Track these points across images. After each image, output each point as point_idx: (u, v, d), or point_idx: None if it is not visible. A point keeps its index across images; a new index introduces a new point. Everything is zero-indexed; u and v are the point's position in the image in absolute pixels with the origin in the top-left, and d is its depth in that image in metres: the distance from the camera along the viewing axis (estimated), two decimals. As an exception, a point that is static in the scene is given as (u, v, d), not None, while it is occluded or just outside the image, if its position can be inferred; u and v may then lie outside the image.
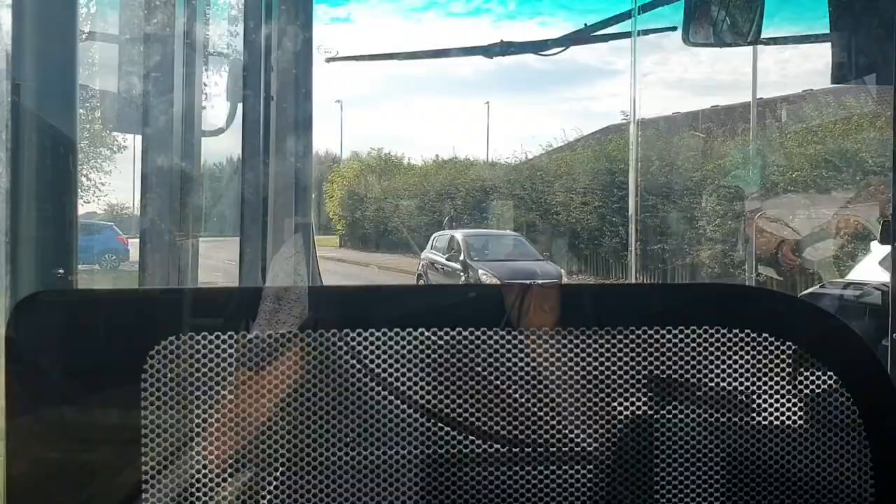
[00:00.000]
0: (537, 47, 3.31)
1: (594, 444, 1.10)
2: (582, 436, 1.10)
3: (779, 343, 1.08)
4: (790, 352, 1.09)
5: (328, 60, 3.46)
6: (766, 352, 1.08)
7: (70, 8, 1.36)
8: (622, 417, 1.10)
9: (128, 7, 2.13)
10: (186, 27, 2.07)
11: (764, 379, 1.09)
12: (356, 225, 26.13)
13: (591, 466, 1.10)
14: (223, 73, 2.44)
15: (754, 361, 1.09)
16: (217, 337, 1.05)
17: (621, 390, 1.09)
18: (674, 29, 3.09)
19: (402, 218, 23.99)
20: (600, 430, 1.10)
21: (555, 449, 1.10)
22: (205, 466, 1.07)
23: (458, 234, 17.55)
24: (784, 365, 1.09)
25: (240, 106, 2.39)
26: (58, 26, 1.35)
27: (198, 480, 1.07)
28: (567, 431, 1.10)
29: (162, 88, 2.01)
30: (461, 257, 16.50)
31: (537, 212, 19.66)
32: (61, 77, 1.35)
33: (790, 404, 1.10)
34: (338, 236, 26.48)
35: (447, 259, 16.94)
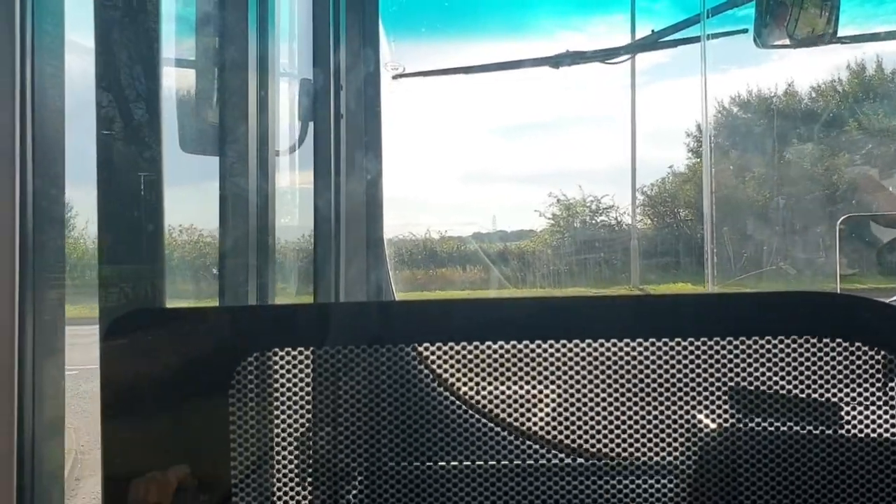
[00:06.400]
0: (605, 55, 3.28)
1: (680, 457, 1.08)
2: (668, 448, 1.08)
3: (873, 353, 1.04)
4: (885, 361, 1.05)
5: (395, 77, 3.50)
6: (860, 361, 1.04)
7: (154, 38, 1.42)
8: (710, 430, 1.08)
9: (203, 34, 2.21)
10: (259, 51, 2.13)
11: (858, 390, 1.05)
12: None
13: (676, 479, 1.08)
14: (295, 93, 2.50)
15: (847, 372, 1.05)
16: (300, 353, 1.08)
17: (708, 402, 1.07)
18: (745, 31, 3.02)
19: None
20: (687, 443, 1.08)
21: (640, 461, 1.08)
22: (289, 478, 1.10)
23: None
24: (879, 375, 1.05)
25: (311, 125, 2.44)
26: (141, 55, 1.41)
27: (281, 490, 1.09)
28: (653, 444, 1.08)
29: (237, 111, 2.07)
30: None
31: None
32: (148, 105, 1.41)
33: (886, 415, 1.06)
34: None
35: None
